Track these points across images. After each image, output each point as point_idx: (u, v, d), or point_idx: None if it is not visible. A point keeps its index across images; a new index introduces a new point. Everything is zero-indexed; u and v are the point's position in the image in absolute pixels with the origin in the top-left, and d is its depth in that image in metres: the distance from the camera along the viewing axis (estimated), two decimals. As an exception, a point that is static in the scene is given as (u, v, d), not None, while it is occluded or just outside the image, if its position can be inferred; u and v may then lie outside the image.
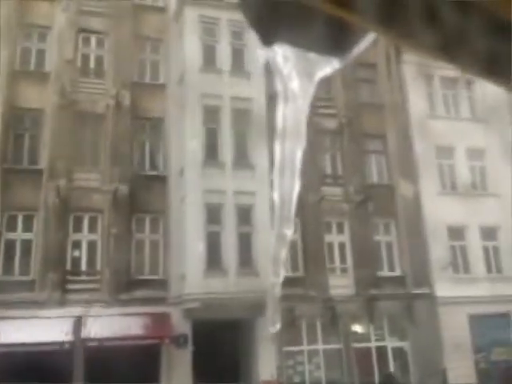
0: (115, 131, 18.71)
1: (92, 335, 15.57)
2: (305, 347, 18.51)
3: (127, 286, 17.12)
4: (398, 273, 20.53)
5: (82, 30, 19.61)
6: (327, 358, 18.66)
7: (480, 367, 19.91)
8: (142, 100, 19.34)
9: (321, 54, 0.80)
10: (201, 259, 16.91)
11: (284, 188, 0.86)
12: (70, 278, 17.04)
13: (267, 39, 0.77)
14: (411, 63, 21.96)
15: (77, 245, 17.53)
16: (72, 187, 17.65)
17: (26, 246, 17.07)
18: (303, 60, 0.80)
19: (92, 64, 19.81)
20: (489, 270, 21.42)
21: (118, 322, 16.04)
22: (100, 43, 20.00)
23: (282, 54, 0.80)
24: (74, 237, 17.54)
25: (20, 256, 16.95)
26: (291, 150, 0.85)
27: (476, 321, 19.80)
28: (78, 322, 15.79)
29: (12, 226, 17.11)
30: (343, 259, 20.01)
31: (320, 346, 18.70)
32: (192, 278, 16.74)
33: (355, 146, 21.14)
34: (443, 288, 19.77)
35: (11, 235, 17.07)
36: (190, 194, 17.61)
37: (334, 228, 20.23)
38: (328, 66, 0.84)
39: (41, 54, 19.32)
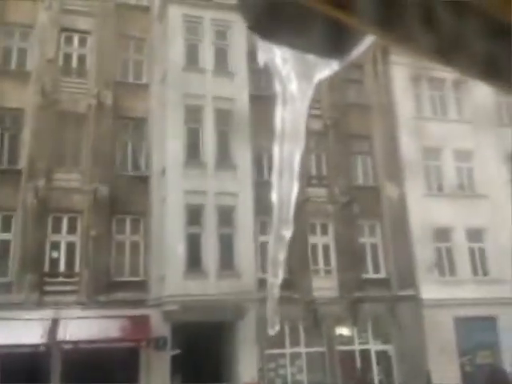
0: (97, 131, 18.53)
1: (68, 337, 15.35)
2: (287, 350, 18.31)
3: (106, 287, 16.92)
4: (382, 275, 20.33)
5: (64, 29, 19.45)
6: (310, 361, 18.47)
7: (465, 370, 19.75)
8: (124, 100, 19.15)
9: (319, 56, 0.80)
10: (181, 261, 16.71)
11: (282, 190, 0.86)
12: (47, 279, 16.84)
13: (266, 41, 0.77)
14: (398, 64, 21.79)
15: (55, 246, 17.32)
16: (51, 187, 17.44)
17: (5, 246, 16.88)
18: (302, 62, 0.80)
19: (74, 63, 19.62)
20: (475, 272, 21.23)
21: (95, 324, 15.83)
22: (83, 42, 19.81)
23: (281, 56, 0.80)
24: (52, 238, 17.32)
25: (-2, 257, 16.76)
26: (290, 152, 0.85)
27: (461, 323, 19.63)
28: (54, 324, 15.59)
29: (-10, 227, 16.91)
30: (327, 261, 19.83)
31: (302, 349, 18.50)
32: (172, 279, 16.54)
33: (341, 146, 20.97)
34: (428, 290, 19.58)
35: (-11, 236, 16.87)
36: (170, 194, 17.41)
37: (319, 229, 20.05)
38: (327, 68, 0.84)
39: (22, 52, 19.14)
